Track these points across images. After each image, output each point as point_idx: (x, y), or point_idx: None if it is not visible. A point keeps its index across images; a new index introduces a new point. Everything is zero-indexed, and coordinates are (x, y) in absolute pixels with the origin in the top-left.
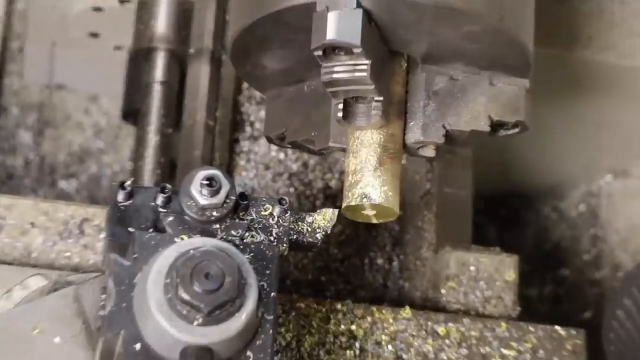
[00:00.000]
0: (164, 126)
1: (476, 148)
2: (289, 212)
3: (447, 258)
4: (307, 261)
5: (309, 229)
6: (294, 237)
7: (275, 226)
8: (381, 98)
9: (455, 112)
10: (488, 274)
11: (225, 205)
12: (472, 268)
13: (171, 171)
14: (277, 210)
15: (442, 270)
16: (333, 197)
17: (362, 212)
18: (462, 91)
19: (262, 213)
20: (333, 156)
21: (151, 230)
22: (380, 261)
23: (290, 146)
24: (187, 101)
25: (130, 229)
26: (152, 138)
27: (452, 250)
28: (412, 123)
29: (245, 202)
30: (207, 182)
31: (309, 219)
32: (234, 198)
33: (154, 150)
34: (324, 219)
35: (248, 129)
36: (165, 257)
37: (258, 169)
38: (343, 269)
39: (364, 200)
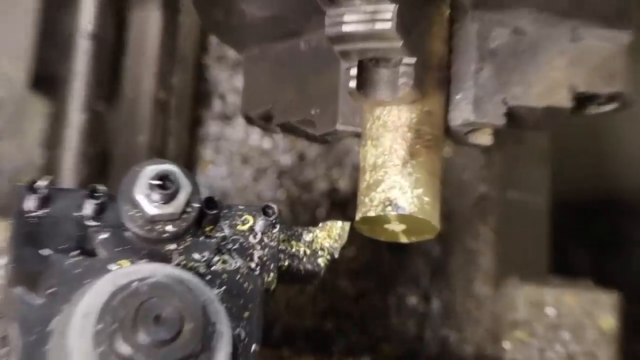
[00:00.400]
0: (94, 99)
1: (555, 134)
2: (277, 226)
3: (513, 295)
4: (304, 299)
5: (308, 252)
6: (286, 263)
7: (258, 247)
8: (413, 60)
9: (522, 80)
10: (575, 320)
11: (184, 216)
12: (550, 310)
13: (104, 166)
14: (260, 224)
15: (506, 314)
16: (342, 205)
17: (386, 226)
18: (532, 50)
19: (239, 228)
20: (342, 144)
21: (75, 252)
22: (413, 300)
23: (279, 130)
24: (128, 63)
25: (44, 251)
26: (76, 117)
27: (520, 284)
28: (458, 96)
29: (214, 212)
30: (159, 182)
31: (307, 237)
32: (197, 206)
33: (78, 134)
34: (329, 236)
35: (217, 103)
36: (96, 293)
37: (232, 162)
38: (358, 312)
39: (389, 209)
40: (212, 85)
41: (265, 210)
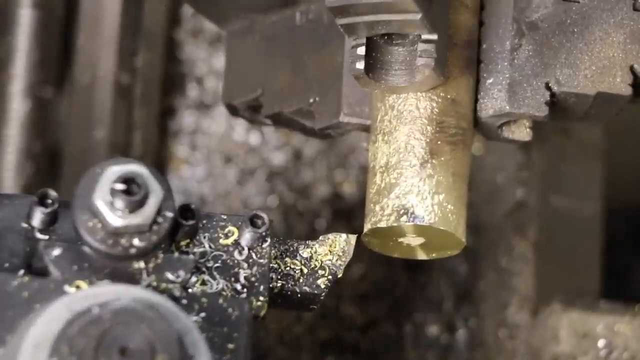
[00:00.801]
0: (39, 84)
1: (610, 126)
2: (268, 240)
3: (556, 324)
4: (301, 329)
5: (305, 271)
6: (279, 284)
7: (245, 265)
8: (435, 36)
9: (570, 61)
10: (630, 354)
11: (155, 227)
12: (601, 342)
13: (53, 166)
14: (247, 237)
15: (546, 347)
16: (347, 214)
17: (400, 240)
18: (582, 22)
19: (222, 242)
20: (347, 140)
21: (21, 272)
22: (433, 329)
23: (270, 122)
24: (81, 40)
25: None
26: (18, 105)
27: (564, 311)
28: (490, 81)
29: (190, 223)
30: (123, 186)
31: (304, 253)
32: (170, 215)
33: (20, 127)
34: (330, 252)
35: (193, 89)
36: (49, 321)
37: (212, 162)
38: (366, 344)
39: (404, 218)
40: (187, 66)
41: (253, 221)
